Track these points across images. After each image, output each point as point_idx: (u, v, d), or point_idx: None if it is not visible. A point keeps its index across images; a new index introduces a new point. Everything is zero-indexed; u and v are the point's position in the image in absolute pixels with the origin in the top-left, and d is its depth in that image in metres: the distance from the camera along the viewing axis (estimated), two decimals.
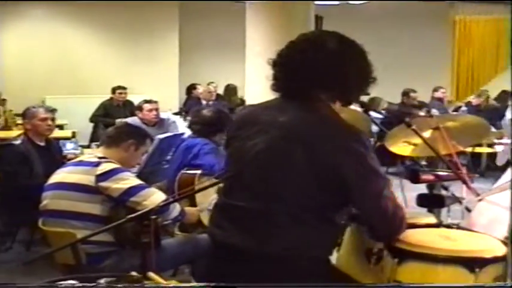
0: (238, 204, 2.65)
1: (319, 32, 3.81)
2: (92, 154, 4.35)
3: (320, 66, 2.59)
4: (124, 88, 11.31)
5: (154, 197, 4.00)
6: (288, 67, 2.65)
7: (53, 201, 4.23)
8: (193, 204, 4.56)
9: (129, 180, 4.07)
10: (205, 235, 4.32)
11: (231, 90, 13.17)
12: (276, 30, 8.06)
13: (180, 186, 4.89)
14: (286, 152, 2.56)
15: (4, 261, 6.14)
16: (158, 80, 13.35)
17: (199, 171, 4.98)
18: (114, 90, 11.27)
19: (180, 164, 5.30)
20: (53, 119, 6.23)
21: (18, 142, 6.03)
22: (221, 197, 2.81)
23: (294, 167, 2.54)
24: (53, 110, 6.30)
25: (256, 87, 8.33)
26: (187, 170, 5.08)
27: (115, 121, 9.92)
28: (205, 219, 4.37)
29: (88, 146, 8.69)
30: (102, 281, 1.98)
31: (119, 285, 1.96)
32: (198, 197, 4.48)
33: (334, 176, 2.52)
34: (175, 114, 10.73)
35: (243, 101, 10.95)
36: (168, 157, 6.12)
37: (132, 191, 4.01)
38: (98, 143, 8.27)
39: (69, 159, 6.22)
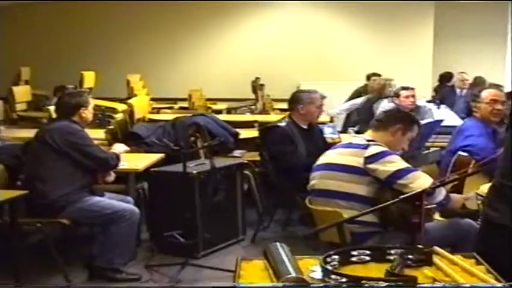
0: None
1: None
2: (361, 137, 4.46)
3: None
4: (379, 75, 11.36)
5: (421, 180, 4.01)
6: None
7: (321, 181, 4.38)
8: (458, 190, 4.52)
9: (396, 163, 4.13)
10: (467, 220, 4.31)
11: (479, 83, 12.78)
12: None
13: (457, 168, 4.87)
14: None
15: (262, 238, 6.41)
16: (411, 68, 13.23)
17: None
18: (368, 77, 11.37)
19: (452, 147, 5.30)
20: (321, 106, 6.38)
21: (283, 124, 6.29)
22: (498, 178, 2.80)
23: None
24: (323, 97, 6.42)
25: None
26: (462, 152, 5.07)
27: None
28: (471, 206, 4.33)
29: (343, 131, 8.84)
30: (392, 252, 2.06)
31: (409, 257, 2.03)
32: (467, 183, 4.45)
33: None
34: (428, 102, 10.63)
35: None
36: (427, 143, 6.12)
37: (400, 173, 4.06)
38: (354, 128, 8.51)
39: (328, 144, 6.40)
